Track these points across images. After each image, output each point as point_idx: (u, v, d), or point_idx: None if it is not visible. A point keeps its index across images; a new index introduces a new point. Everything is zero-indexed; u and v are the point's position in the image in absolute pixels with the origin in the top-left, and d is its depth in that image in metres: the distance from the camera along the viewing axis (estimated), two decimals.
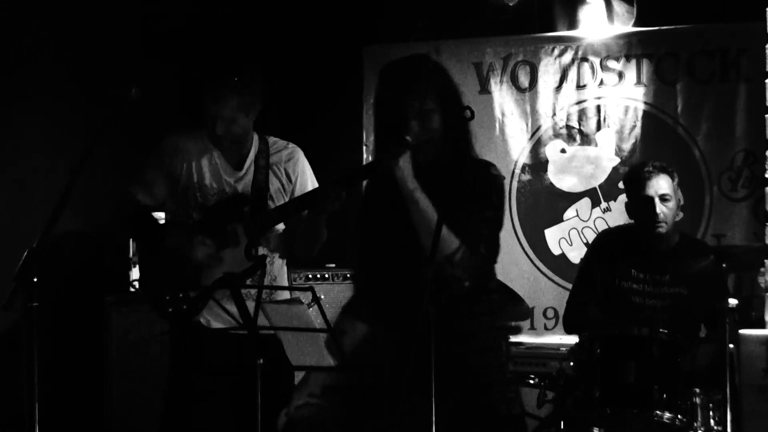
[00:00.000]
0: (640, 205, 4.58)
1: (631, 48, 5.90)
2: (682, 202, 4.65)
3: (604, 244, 4.82)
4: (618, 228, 4.97)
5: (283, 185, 4.13)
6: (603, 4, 6.00)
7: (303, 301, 3.19)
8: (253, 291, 3.44)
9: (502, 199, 3.22)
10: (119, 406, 5.41)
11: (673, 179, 4.58)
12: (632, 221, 4.71)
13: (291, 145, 4.21)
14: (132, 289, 5.61)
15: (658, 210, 4.51)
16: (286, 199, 4.10)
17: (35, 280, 3.11)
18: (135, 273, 5.61)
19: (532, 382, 4.50)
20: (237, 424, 4.01)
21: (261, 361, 3.06)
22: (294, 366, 3.11)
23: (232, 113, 4.00)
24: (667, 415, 3.95)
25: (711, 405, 4.05)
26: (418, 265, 2.93)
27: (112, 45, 5.73)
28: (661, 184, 4.53)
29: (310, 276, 5.58)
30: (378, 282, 3.25)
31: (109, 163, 5.27)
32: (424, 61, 3.23)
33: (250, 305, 3.16)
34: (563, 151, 5.99)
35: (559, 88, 6.00)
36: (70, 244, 5.42)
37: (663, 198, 4.53)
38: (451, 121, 3.15)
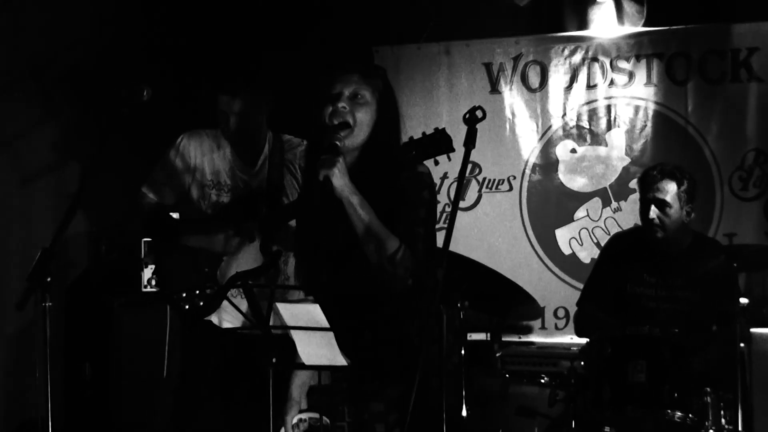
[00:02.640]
0: (641, 207, 4.61)
1: (641, 48, 5.88)
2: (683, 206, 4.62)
3: (615, 247, 4.82)
4: (630, 230, 4.97)
5: (297, 182, 4.15)
6: (613, 4, 5.99)
7: None
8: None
9: (434, 194, 3.25)
10: (129, 406, 5.42)
11: (680, 185, 4.54)
12: None
13: (305, 142, 4.22)
14: (145, 289, 5.61)
15: (651, 215, 4.51)
16: None
17: (48, 279, 3.13)
18: (146, 273, 5.62)
19: (543, 381, 4.51)
20: (247, 423, 4.02)
21: (274, 360, 3.06)
22: (307, 365, 3.11)
23: (244, 109, 4.02)
24: (678, 414, 3.96)
25: (722, 404, 4.05)
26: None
27: (119, 46, 5.75)
28: (662, 189, 4.51)
29: None
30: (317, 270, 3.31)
31: (118, 163, 5.27)
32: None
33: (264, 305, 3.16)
34: (573, 151, 5.99)
35: (569, 88, 5.99)
36: (78, 245, 5.44)
37: (661, 203, 4.51)
38: (384, 121, 3.20)
